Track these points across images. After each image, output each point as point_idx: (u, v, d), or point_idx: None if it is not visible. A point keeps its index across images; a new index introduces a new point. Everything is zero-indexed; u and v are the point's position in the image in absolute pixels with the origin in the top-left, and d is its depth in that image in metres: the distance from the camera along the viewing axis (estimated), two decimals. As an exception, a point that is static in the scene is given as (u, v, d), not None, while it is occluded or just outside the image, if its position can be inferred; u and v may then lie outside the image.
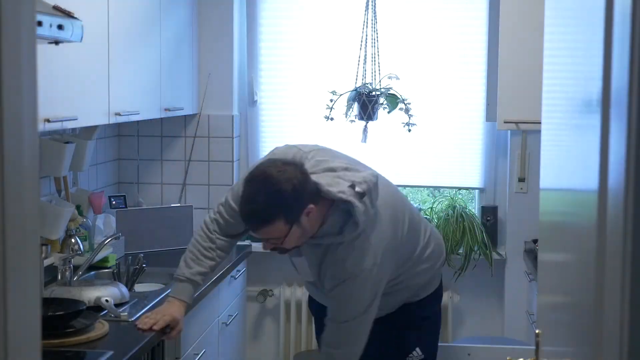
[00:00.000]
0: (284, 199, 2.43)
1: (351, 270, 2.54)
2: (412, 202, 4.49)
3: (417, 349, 2.87)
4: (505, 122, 2.80)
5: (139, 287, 3.36)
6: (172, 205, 4.21)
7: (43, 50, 2.48)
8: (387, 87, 4.18)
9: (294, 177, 2.45)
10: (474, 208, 4.51)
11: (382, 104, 4.17)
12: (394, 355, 2.88)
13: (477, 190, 4.53)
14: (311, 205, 2.47)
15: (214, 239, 2.77)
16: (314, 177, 2.52)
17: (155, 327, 2.69)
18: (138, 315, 2.86)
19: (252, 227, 2.53)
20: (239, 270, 3.95)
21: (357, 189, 2.49)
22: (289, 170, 2.46)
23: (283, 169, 2.45)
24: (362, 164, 2.77)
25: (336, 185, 2.50)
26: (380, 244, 2.58)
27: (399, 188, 4.67)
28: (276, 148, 2.76)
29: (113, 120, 3.22)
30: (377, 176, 2.61)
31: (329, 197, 2.49)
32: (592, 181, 1.08)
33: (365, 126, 4.20)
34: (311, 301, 3.06)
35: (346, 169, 2.58)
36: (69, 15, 2.46)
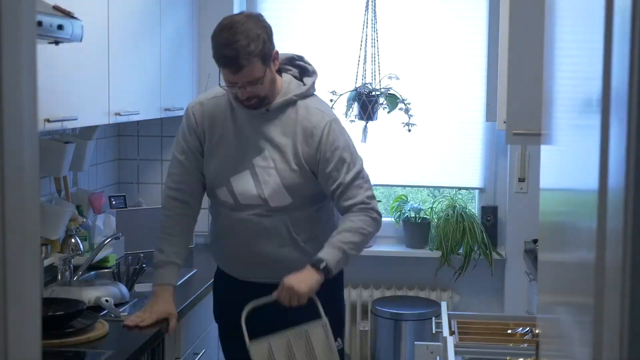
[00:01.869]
0: (261, 37, 2.59)
1: (328, 114, 2.78)
2: (412, 202, 4.49)
3: (339, 339, 2.86)
4: (514, 135, 2.83)
5: (139, 287, 3.36)
6: (172, 205, 4.21)
7: (43, 50, 2.48)
8: (387, 87, 4.18)
9: (261, 21, 2.65)
10: (474, 208, 4.51)
11: (382, 104, 4.17)
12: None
13: (477, 190, 4.53)
14: (276, 50, 2.67)
15: (172, 215, 2.84)
16: None
17: (142, 324, 2.70)
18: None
19: (236, 68, 2.57)
20: (239, 270, 3.95)
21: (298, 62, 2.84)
22: (253, 17, 2.66)
23: (249, 15, 2.65)
24: None
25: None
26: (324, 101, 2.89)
27: (400, 188, 4.69)
28: None
29: (113, 120, 3.22)
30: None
31: (281, 58, 2.75)
32: (592, 181, 1.08)
33: (365, 126, 4.20)
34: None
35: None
36: (69, 15, 2.46)
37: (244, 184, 2.73)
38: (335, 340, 2.84)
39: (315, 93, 2.86)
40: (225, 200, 2.78)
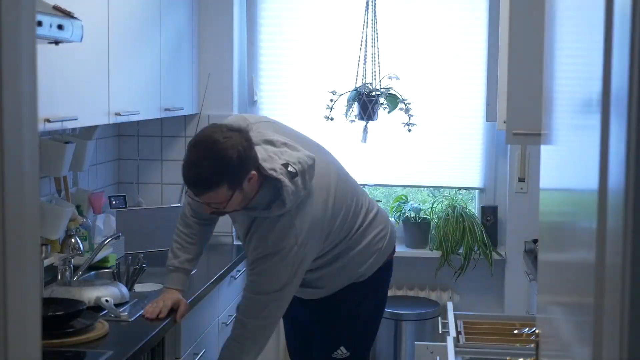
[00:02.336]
0: (229, 165, 2.43)
1: (271, 247, 2.57)
2: (412, 202, 4.49)
3: (342, 347, 2.88)
4: (514, 135, 2.82)
5: (139, 287, 3.36)
6: (172, 205, 4.21)
7: (43, 50, 2.48)
8: (387, 87, 4.18)
9: (239, 144, 2.44)
10: (474, 208, 4.51)
11: (382, 104, 4.17)
12: (319, 352, 2.91)
13: (477, 190, 4.53)
14: (253, 172, 2.48)
15: (191, 224, 2.85)
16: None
17: (161, 316, 2.77)
18: (137, 314, 2.86)
19: (196, 192, 2.51)
20: (239, 270, 3.95)
21: (289, 168, 2.52)
22: (233, 136, 2.45)
23: (228, 135, 2.45)
24: (313, 143, 2.81)
25: (270, 162, 2.53)
26: (304, 226, 2.59)
27: (400, 188, 4.69)
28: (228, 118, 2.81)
29: (113, 120, 3.22)
30: (313, 158, 2.61)
31: (264, 173, 2.52)
32: (592, 181, 1.08)
33: (365, 126, 4.20)
34: None
35: (285, 144, 2.60)
36: (69, 15, 2.46)
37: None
38: (338, 348, 2.84)
39: (288, 212, 2.60)
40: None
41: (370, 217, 2.91)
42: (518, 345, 2.74)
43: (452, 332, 2.85)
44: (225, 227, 4.31)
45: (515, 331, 2.77)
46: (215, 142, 2.43)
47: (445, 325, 3.02)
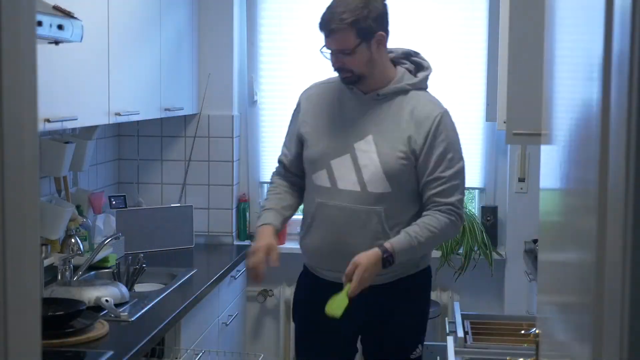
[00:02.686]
0: (361, 9, 2.62)
1: (434, 106, 2.74)
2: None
3: (419, 347, 2.87)
4: (514, 135, 2.82)
5: (139, 287, 3.37)
6: (172, 205, 4.21)
7: (43, 50, 2.48)
8: (387, 87, 4.18)
9: (377, 1, 2.68)
10: (474, 208, 4.51)
11: (382, 104, 4.17)
12: (399, 355, 2.86)
13: (477, 190, 4.53)
14: (382, 33, 2.68)
15: (279, 183, 2.88)
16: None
17: (260, 267, 2.65)
18: (138, 314, 2.86)
19: (326, 31, 2.69)
20: (239, 270, 3.95)
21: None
22: None
23: None
24: None
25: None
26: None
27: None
28: None
29: (113, 120, 3.22)
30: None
31: (397, 52, 2.81)
32: (592, 181, 1.08)
33: (365, 126, 4.20)
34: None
35: None
36: (69, 15, 2.46)
37: (344, 167, 2.71)
38: (415, 349, 2.82)
39: (427, 90, 2.85)
40: (322, 185, 2.74)
41: None
42: (525, 345, 2.74)
43: (460, 332, 2.85)
44: (225, 227, 4.31)
45: (523, 331, 2.77)
46: None
47: (452, 325, 3.02)
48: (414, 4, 4.36)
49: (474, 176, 4.46)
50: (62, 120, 2.71)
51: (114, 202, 3.89)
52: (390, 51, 2.79)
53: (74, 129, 3.44)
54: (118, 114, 3.24)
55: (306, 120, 2.83)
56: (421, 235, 2.61)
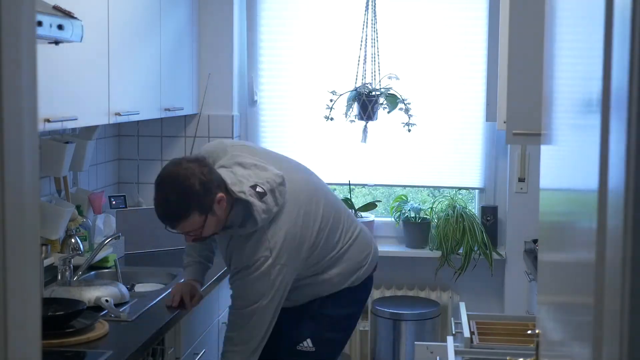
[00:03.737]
0: (194, 193, 2.58)
1: (245, 260, 2.71)
2: (412, 202, 4.49)
3: (309, 340, 2.91)
4: (514, 135, 2.83)
5: (139, 287, 3.37)
6: (172, 205, 4.21)
7: (43, 50, 2.48)
8: (387, 87, 4.18)
9: (199, 172, 2.60)
10: (474, 208, 4.51)
11: (382, 104, 4.17)
12: (285, 343, 2.93)
13: (477, 190, 4.53)
14: (220, 194, 2.62)
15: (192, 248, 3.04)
16: (223, 172, 2.69)
17: (174, 305, 2.94)
18: (138, 314, 2.86)
19: (171, 225, 2.66)
20: (239, 270, 3.95)
21: (257, 189, 2.68)
22: (192, 166, 2.61)
23: (187, 166, 2.61)
24: (291, 163, 2.98)
25: (239, 185, 2.68)
26: (277, 239, 2.71)
27: (400, 188, 4.68)
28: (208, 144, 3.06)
29: (113, 120, 3.22)
30: (282, 176, 2.75)
31: (234, 196, 2.67)
32: (592, 181, 1.08)
33: (365, 126, 4.20)
34: None
35: (255, 165, 2.76)
36: (69, 15, 2.46)
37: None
38: (304, 340, 2.87)
39: (261, 228, 2.71)
40: None
41: (355, 235, 2.99)
42: (532, 345, 2.74)
43: (466, 332, 2.86)
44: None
45: (529, 331, 2.77)
46: (176, 177, 2.60)
47: (458, 325, 3.02)
48: (414, 4, 4.36)
49: (474, 176, 4.47)
50: (62, 120, 2.71)
51: (114, 202, 3.89)
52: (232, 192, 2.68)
53: (74, 129, 3.44)
54: (118, 114, 3.23)
55: None
56: None
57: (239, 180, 2.69)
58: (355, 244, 2.97)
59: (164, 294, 3.15)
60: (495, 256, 4.28)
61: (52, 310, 2.65)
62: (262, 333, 2.74)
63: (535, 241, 4.01)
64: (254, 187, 2.67)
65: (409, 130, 4.18)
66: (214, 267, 3.12)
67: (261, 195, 2.67)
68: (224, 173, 2.69)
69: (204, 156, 2.73)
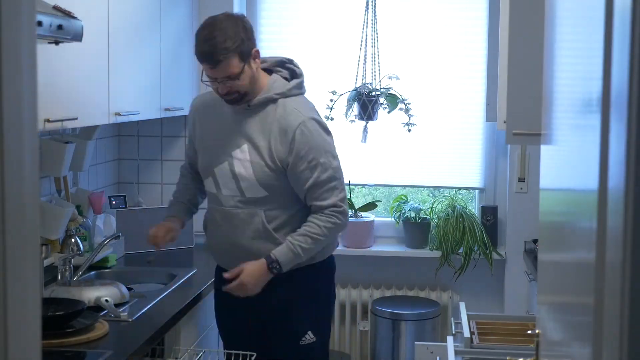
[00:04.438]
0: (238, 34, 2.72)
1: (309, 112, 2.83)
2: (412, 202, 4.50)
3: (310, 332, 2.93)
4: (514, 135, 2.83)
5: (139, 287, 3.37)
6: (172, 205, 4.21)
7: (43, 50, 2.48)
8: (387, 87, 4.18)
9: (242, 21, 2.77)
10: (474, 208, 4.51)
11: (382, 104, 4.17)
12: (287, 342, 2.93)
13: (477, 190, 4.53)
14: (256, 49, 2.80)
15: (186, 175, 3.17)
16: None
17: (158, 239, 3.01)
18: (138, 314, 2.86)
19: (213, 62, 2.72)
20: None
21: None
22: (235, 16, 2.79)
23: (230, 15, 2.79)
24: None
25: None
26: (301, 108, 2.85)
27: (400, 188, 4.68)
28: None
29: (113, 120, 3.22)
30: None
31: (271, 61, 2.90)
32: (592, 181, 1.08)
33: (365, 126, 4.20)
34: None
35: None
36: (69, 15, 2.46)
37: (224, 175, 2.88)
38: (305, 333, 2.88)
39: (302, 94, 2.94)
40: (210, 191, 2.97)
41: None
42: (532, 345, 2.74)
43: (466, 332, 2.86)
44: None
45: (529, 331, 2.77)
46: (221, 20, 2.75)
47: (458, 325, 3.02)
48: (414, 4, 4.36)
49: (474, 176, 4.47)
50: (62, 120, 2.71)
51: (114, 202, 3.89)
52: (264, 60, 2.90)
53: (74, 129, 3.44)
54: (118, 114, 3.24)
55: (195, 131, 3.03)
56: (303, 243, 2.80)
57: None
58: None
59: (164, 294, 3.15)
60: (495, 256, 4.28)
61: (52, 310, 2.65)
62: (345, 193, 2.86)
63: (535, 241, 4.01)
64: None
65: (409, 130, 4.18)
66: (213, 267, 3.12)
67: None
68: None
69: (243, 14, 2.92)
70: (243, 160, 2.84)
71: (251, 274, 2.80)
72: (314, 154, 2.78)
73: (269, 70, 2.91)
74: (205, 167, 2.96)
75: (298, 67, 2.96)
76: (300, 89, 2.92)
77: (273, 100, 2.84)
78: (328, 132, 2.88)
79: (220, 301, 3.09)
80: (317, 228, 2.80)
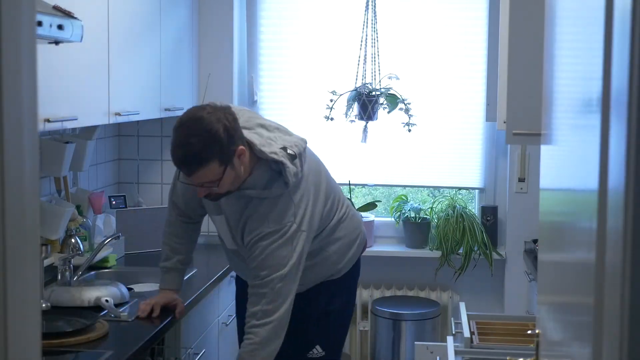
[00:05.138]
0: (217, 138, 2.44)
1: (272, 224, 2.58)
2: (412, 202, 4.50)
3: (318, 347, 2.89)
4: (514, 135, 2.83)
5: (139, 287, 3.37)
6: (172, 205, 4.21)
7: (43, 50, 2.48)
8: (387, 87, 4.19)
9: (224, 118, 2.47)
10: (474, 208, 4.51)
11: (382, 104, 4.17)
12: (295, 353, 2.88)
13: (477, 190, 4.53)
14: (242, 147, 2.51)
15: (177, 225, 2.91)
16: (246, 133, 2.56)
17: (154, 315, 2.81)
18: (137, 315, 2.86)
19: (188, 171, 2.50)
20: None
21: (288, 151, 2.58)
22: (217, 112, 2.48)
23: (212, 111, 2.48)
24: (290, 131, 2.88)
25: (268, 146, 2.57)
26: (301, 205, 2.63)
27: (400, 188, 4.69)
28: None
29: (113, 120, 3.22)
30: (306, 141, 2.71)
31: (262, 157, 2.56)
32: (592, 181, 1.08)
33: (365, 126, 4.20)
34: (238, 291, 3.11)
35: (277, 129, 2.68)
36: (69, 15, 2.46)
37: (221, 226, 2.80)
38: (313, 347, 2.85)
39: (285, 194, 2.64)
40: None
41: (350, 213, 2.95)
42: (532, 345, 2.74)
43: (466, 332, 2.86)
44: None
45: (529, 331, 2.77)
46: (200, 119, 2.45)
47: (458, 325, 3.02)
48: (415, 4, 4.36)
49: (474, 176, 4.47)
50: (62, 120, 2.71)
51: (114, 202, 3.89)
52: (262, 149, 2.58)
53: (74, 129, 3.44)
54: (118, 114, 3.23)
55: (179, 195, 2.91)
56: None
57: (268, 142, 2.59)
58: (348, 218, 2.92)
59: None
60: (495, 256, 4.28)
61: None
62: (287, 305, 2.60)
63: (535, 241, 4.01)
64: (284, 149, 2.58)
65: (409, 130, 4.18)
66: (213, 267, 3.13)
67: (292, 158, 2.58)
68: (248, 135, 2.56)
69: (228, 105, 2.58)
70: (221, 226, 2.78)
71: None
72: (258, 264, 2.60)
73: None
74: (208, 212, 2.85)
75: (292, 166, 2.60)
76: (282, 188, 2.62)
77: (248, 196, 2.63)
78: (291, 241, 2.60)
79: (241, 306, 3.01)
80: (243, 348, 2.60)
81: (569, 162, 1.38)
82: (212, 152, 2.44)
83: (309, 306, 2.88)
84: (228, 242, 2.81)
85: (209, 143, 2.44)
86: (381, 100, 4.16)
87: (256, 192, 2.60)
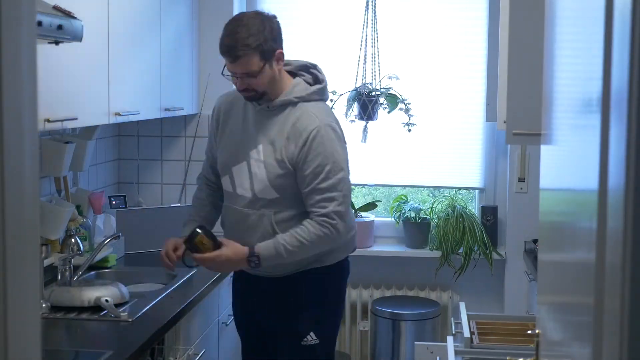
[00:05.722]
0: (262, 34, 2.72)
1: (314, 120, 2.78)
2: (412, 202, 4.50)
3: (312, 334, 2.91)
4: (514, 135, 2.83)
5: (139, 287, 3.36)
6: (172, 205, 4.21)
7: (43, 50, 2.48)
8: (387, 87, 4.18)
9: (270, 20, 2.77)
10: (474, 208, 4.51)
11: (382, 104, 4.17)
12: (290, 340, 2.92)
13: (477, 190, 4.53)
14: (280, 50, 2.79)
15: (204, 188, 3.09)
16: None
17: (178, 253, 2.89)
18: (139, 314, 2.86)
19: (232, 58, 2.71)
20: (239, 270, 3.95)
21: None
22: (264, 15, 2.78)
23: (259, 13, 2.79)
24: None
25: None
26: (318, 114, 2.82)
27: (400, 188, 4.69)
28: None
29: (113, 120, 3.22)
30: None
31: (293, 69, 2.90)
32: (592, 181, 1.08)
33: (365, 126, 4.20)
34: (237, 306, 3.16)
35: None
36: (69, 15, 2.46)
37: (241, 174, 2.87)
38: (308, 334, 2.87)
39: (323, 100, 2.93)
40: (227, 190, 2.95)
41: (349, 209, 2.98)
42: (532, 345, 2.74)
43: (466, 332, 2.86)
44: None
45: (529, 331, 2.77)
46: (248, 17, 2.76)
47: (458, 325, 3.02)
48: (414, 4, 4.36)
49: (474, 176, 4.47)
50: (62, 120, 2.71)
51: (114, 202, 3.89)
52: (288, 63, 2.90)
53: (74, 129, 3.44)
54: (118, 114, 3.24)
55: (217, 129, 3.01)
56: (289, 244, 2.75)
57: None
58: (348, 210, 2.96)
59: (164, 294, 3.15)
60: (495, 256, 4.28)
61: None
62: (350, 220, 2.85)
63: (535, 241, 4.01)
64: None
65: (409, 130, 4.18)
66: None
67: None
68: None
69: (275, 15, 2.84)
70: (258, 160, 2.83)
71: (228, 258, 2.77)
72: (321, 161, 2.76)
73: (292, 74, 2.91)
74: (223, 165, 2.94)
75: (321, 73, 2.95)
76: (321, 95, 2.90)
77: (293, 103, 2.83)
78: (343, 142, 2.87)
79: (237, 297, 3.15)
80: (306, 233, 2.75)
81: (569, 162, 1.38)
82: (256, 43, 2.70)
83: (303, 291, 2.92)
84: (245, 190, 2.86)
85: (254, 34, 2.70)
86: (381, 100, 4.16)
87: (301, 96, 2.82)
